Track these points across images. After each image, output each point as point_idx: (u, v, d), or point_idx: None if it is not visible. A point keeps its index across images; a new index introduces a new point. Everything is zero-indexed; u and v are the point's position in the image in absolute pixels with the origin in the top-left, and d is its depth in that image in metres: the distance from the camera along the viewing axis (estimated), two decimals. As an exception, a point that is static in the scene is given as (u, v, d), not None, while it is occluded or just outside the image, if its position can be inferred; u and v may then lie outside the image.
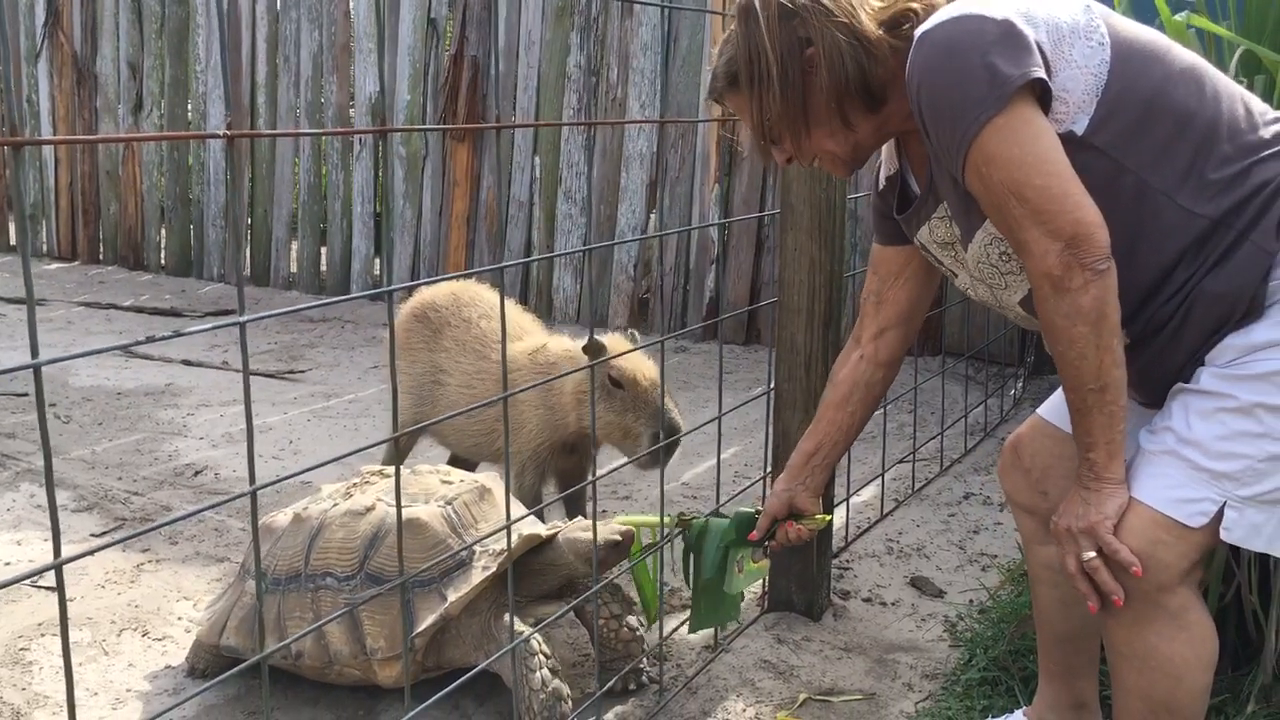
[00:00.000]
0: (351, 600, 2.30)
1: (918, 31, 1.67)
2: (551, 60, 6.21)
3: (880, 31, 1.74)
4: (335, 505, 2.45)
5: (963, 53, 1.60)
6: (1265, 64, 2.21)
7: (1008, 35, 1.59)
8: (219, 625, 2.44)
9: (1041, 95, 1.60)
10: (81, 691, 2.42)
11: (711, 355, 5.62)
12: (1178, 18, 2.21)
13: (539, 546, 2.41)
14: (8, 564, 3.05)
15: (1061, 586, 2.03)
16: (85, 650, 2.60)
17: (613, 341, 2.89)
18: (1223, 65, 2.28)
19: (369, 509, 2.39)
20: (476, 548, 2.32)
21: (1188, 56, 1.70)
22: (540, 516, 2.76)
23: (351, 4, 6.80)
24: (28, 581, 2.89)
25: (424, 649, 2.29)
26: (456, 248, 6.55)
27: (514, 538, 2.32)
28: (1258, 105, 1.71)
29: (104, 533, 3.29)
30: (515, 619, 2.19)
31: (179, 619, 2.77)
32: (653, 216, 6.07)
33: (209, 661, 2.50)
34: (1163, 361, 1.70)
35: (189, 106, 7.45)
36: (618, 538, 2.32)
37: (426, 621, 2.23)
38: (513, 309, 3.29)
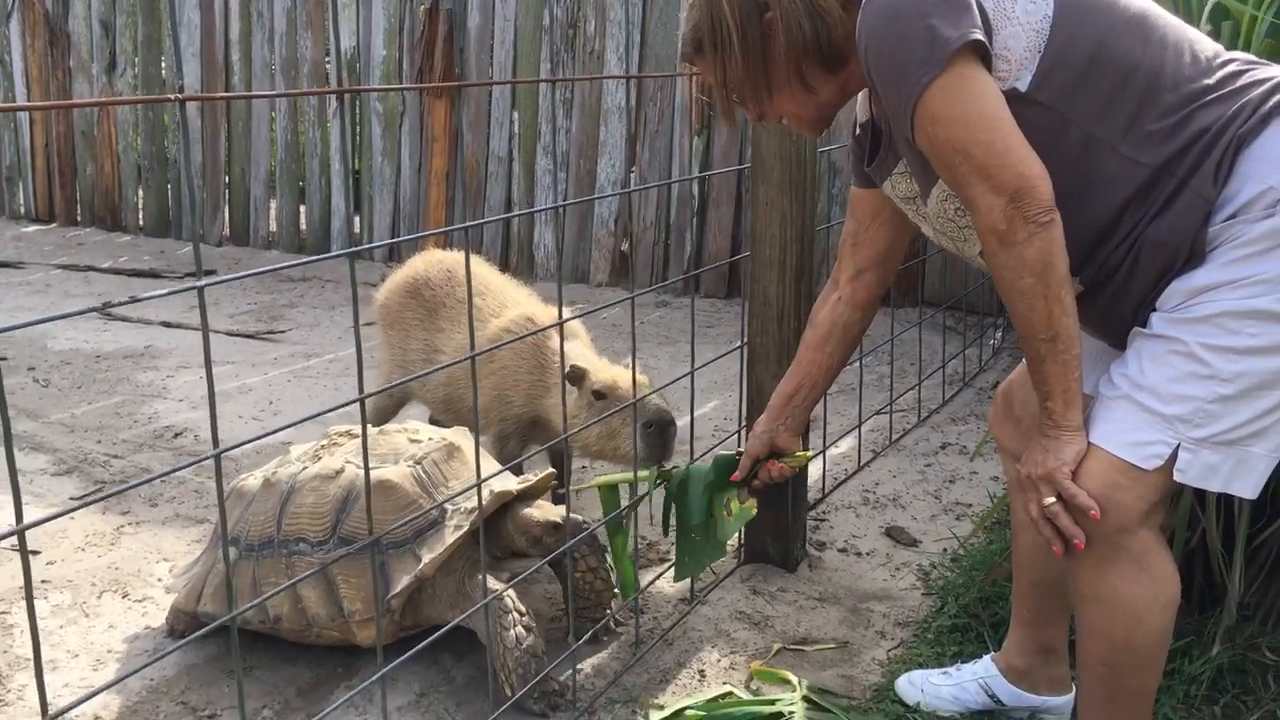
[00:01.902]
0: (322, 563, 2.32)
1: None
2: (528, 13, 6.16)
3: None
4: (305, 469, 2.45)
5: (904, 16, 1.62)
6: (1232, 12, 2.21)
7: None
8: (195, 591, 2.45)
9: (983, 55, 1.62)
10: (62, 653, 2.45)
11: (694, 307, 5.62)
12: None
13: (511, 502, 2.43)
14: (-13, 528, 3.06)
15: None
16: (66, 612, 2.62)
17: (604, 365, 2.89)
18: (1190, 18, 2.27)
19: (338, 471, 2.40)
20: (449, 506, 2.33)
21: (1135, 3, 1.71)
22: (517, 471, 2.77)
23: (325, -42, 6.71)
24: (5, 544, 2.91)
25: (401, 609, 2.31)
26: (436, 204, 6.52)
27: (485, 494, 2.34)
28: (1207, 49, 1.71)
29: (83, 496, 3.30)
30: (489, 576, 2.21)
31: (158, 580, 2.79)
32: (633, 173, 6.05)
33: (188, 624, 2.52)
34: (1117, 307, 1.73)
35: (162, 64, 7.37)
36: (556, 519, 2.36)
37: (401, 583, 2.25)
38: (499, 278, 3.28)
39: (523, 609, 2.24)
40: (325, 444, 2.55)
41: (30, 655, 2.44)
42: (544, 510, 2.40)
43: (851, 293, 2.14)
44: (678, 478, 2.35)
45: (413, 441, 2.48)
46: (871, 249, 2.12)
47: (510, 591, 2.23)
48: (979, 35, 1.60)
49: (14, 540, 2.82)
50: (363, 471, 2.36)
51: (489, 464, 2.53)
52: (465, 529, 2.28)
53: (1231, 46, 2.16)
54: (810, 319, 2.22)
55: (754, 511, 2.33)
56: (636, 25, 5.85)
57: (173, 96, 1.25)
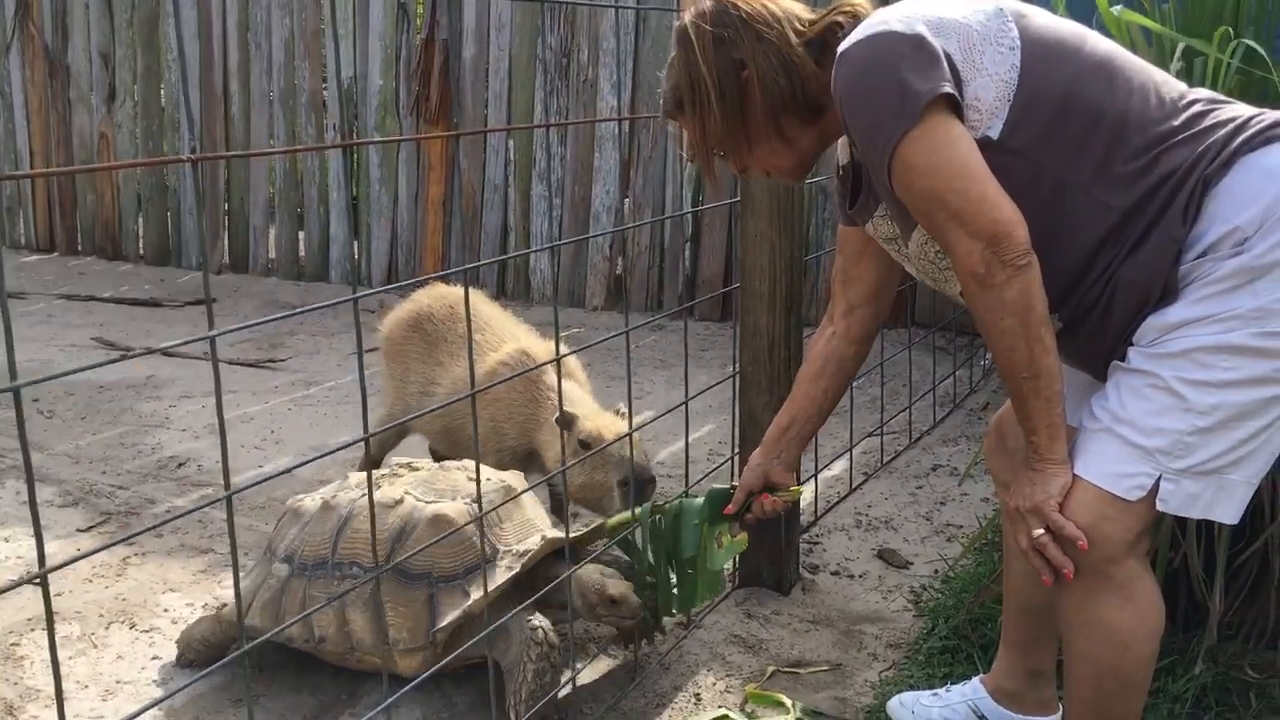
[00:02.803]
0: (337, 591, 2.37)
1: (839, 49, 1.76)
2: (522, 43, 6.24)
3: (804, 50, 1.83)
4: (363, 495, 2.49)
5: (876, 71, 1.69)
6: (1203, 54, 2.28)
7: (917, 50, 1.67)
8: (245, 603, 2.50)
9: (955, 106, 1.68)
10: (71, 684, 2.50)
11: (688, 332, 5.68)
12: (1114, 10, 2.27)
13: (575, 556, 2.46)
14: (-4, 561, 3.12)
15: None
16: (74, 644, 2.67)
17: (592, 413, 2.93)
18: (1163, 56, 2.35)
19: (398, 501, 2.44)
20: (500, 546, 2.39)
21: (1101, 48, 1.77)
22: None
23: (322, -12, 6.80)
24: (15, 575, 2.96)
25: (444, 643, 2.36)
26: (433, 231, 6.60)
27: (538, 540, 2.40)
28: (1173, 90, 1.77)
29: (90, 527, 3.36)
30: (529, 611, 2.29)
31: (165, 611, 2.84)
32: (627, 199, 6.12)
33: (198, 652, 2.57)
34: (1096, 342, 1.79)
35: (161, 94, 7.45)
36: (614, 595, 2.37)
37: (449, 617, 2.29)
38: (499, 314, 3.34)
39: (555, 642, 2.29)
40: (386, 474, 2.60)
41: (40, 687, 2.50)
42: (610, 582, 2.39)
43: (845, 328, 2.17)
44: (671, 512, 2.41)
45: (470, 480, 2.51)
46: (861, 285, 2.15)
47: (548, 625, 2.29)
48: (949, 88, 1.66)
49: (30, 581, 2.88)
50: (421, 504, 2.42)
51: (539, 508, 2.56)
52: (516, 570, 2.32)
53: (1203, 83, 2.23)
54: (806, 352, 2.26)
55: (744, 545, 2.39)
56: (629, 55, 5.94)
57: (185, 158, 1.32)
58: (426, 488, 2.50)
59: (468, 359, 3.17)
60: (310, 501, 2.58)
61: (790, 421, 2.25)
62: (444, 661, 2.32)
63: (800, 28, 1.86)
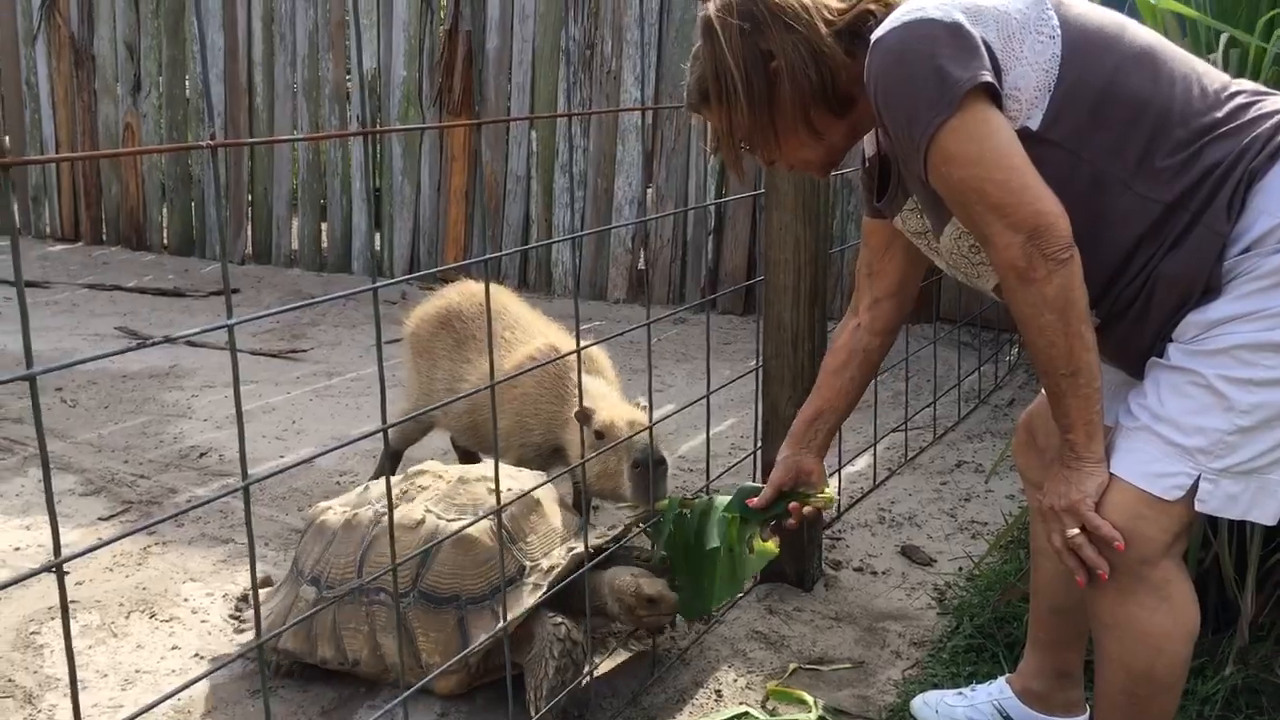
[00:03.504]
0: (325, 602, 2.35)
1: (873, 36, 1.71)
2: (546, 35, 6.22)
3: (834, 40, 1.78)
4: (386, 512, 2.46)
5: (913, 59, 1.64)
6: (1240, 43, 2.24)
7: (955, 37, 1.63)
8: (275, 627, 2.47)
9: (994, 95, 1.63)
10: (91, 673, 2.50)
11: (710, 325, 5.66)
12: (1150, -1, 2.23)
13: (607, 560, 2.42)
14: (17, 549, 3.12)
15: None
16: (94, 633, 2.67)
17: (607, 405, 2.89)
18: (1198, 45, 2.30)
19: (419, 522, 2.41)
20: (527, 563, 2.36)
21: (1142, 38, 1.73)
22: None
23: (346, -21, 6.79)
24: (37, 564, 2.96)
25: (477, 662, 2.33)
26: (455, 222, 6.59)
27: (564, 553, 2.37)
28: (1215, 81, 1.73)
29: (111, 516, 3.36)
30: (551, 611, 2.28)
31: (185, 600, 2.84)
32: (650, 190, 6.09)
33: (292, 663, 2.50)
34: (1134, 339, 1.75)
35: (186, 85, 7.47)
36: (651, 594, 2.34)
37: (479, 640, 2.26)
38: (527, 311, 3.32)
39: (578, 639, 2.27)
40: (406, 487, 2.54)
41: (59, 676, 2.50)
42: (645, 581, 2.36)
43: (870, 320, 2.14)
44: (699, 508, 2.37)
45: (492, 493, 2.46)
46: (886, 279, 2.12)
47: (571, 622, 2.27)
48: (988, 77, 1.61)
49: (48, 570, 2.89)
50: (443, 523, 2.39)
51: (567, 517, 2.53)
52: (544, 589, 2.29)
53: (1239, 75, 2.18)
54: (830, 343, 2.23)
55: (776, 550, 2.34)
56: (653, 46, 5.91)
57: (205, 143, 1.30)
58: (448, 504, 2.46)
59: (498, 357, 3.20)
60: (333, 516, 2.54)
61: (817, 414, 2.21)
62: (480, 682, 2.31)
63: (830, 17, 1.80)
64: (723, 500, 2.34)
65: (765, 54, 1.78)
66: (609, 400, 2.93)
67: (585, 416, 2.78)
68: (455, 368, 3.23)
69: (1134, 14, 2.31)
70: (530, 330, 3.19)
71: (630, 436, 2.67)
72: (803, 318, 2.73)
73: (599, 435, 2.78)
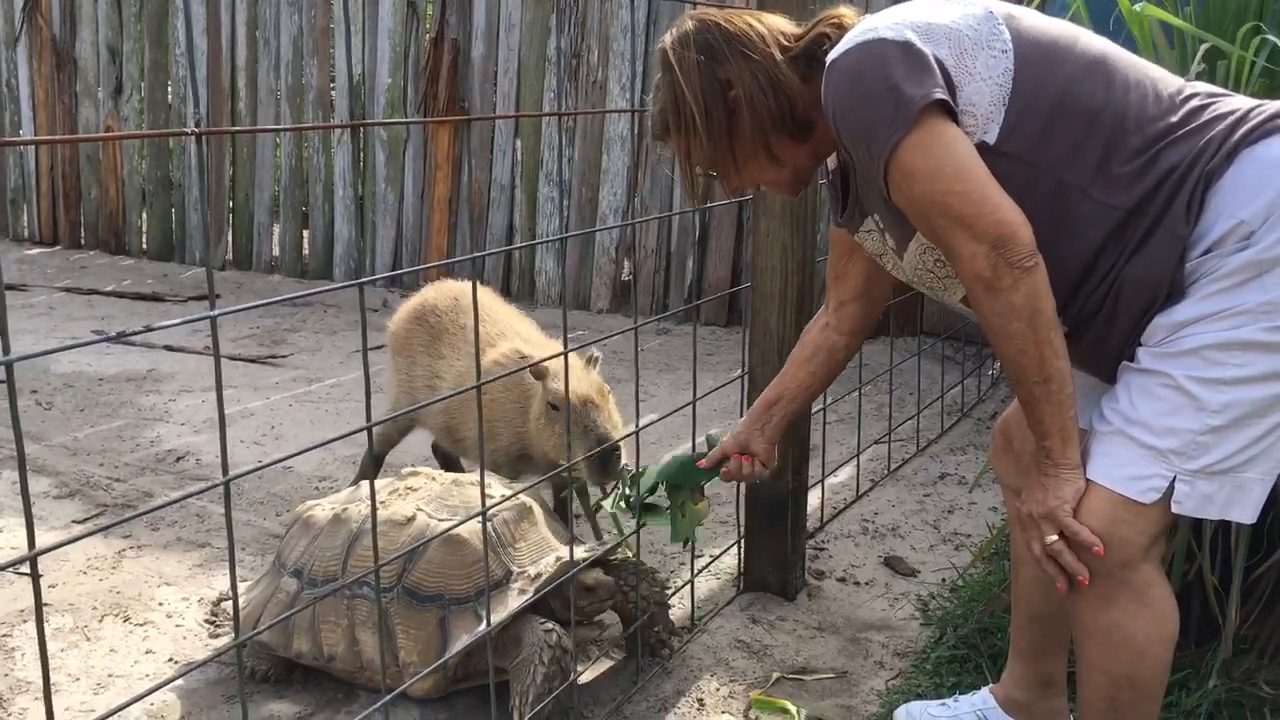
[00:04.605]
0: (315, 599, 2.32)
1: (828, 59, 1.73)
2: (531, 43, 6.21)
3: (790, 66, 1.81)
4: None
5: (867, 80, 1.66)
6: (1226, 54, 2.24)
7: (908, 56, 1.65)
8: (253, 618, 2.45)
9: (948, 112, 1.65)
10: (63, 677, 2.45)
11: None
12: (1135, 7, 2.23)
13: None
14: (-10, 551, 3.08)
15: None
16: (67, 636, 2.63)
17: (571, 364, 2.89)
18: (1184, 55, 2.31)
19: (409, 519, 2.38)
20: (514, 568, 2.34)
21: (1095, 47, 1.75)
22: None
23: (331, -14, 6.77)
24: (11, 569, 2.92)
25: (456, 664, 2.30)
26: (439, 230, 6.56)
27: (552, 561, 2.34)
28: (1170, 85, 1.75)
29: (86, 519, 3.31)
30: (540, 617, 2.26)
31: (160, 604, 2.80)
32: (635, 200, 6.08)
33: (271, 664, 2.46)
34: (1104, 344, 1.76)
35: (169, 90, 7.42)
36: (588, 582, 2.35)
37: (460, 642, 2.23)
38: (503, 307, 3.31)
39: (568, 646, 2.25)
40: (398, 486, 2.52)
41: (31, 679, 2.45)
42: (581, 572, 2.35)
43: (838, 321, 2.18)
44: (640, 478, 2.36)
45: (486, 497, 2.46)
46: (850, 282, 2.15)
47: (561, 629, 2.25)
48: (942, 94, 1.64)
49: (19, 564, 2.84)
50: (433, 522, 2.37)
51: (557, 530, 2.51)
52: (529, 595, 2.27)
53: (1225, 87, 2.19)
54: (801, 336, 2.26)
55: (705, 513, 2.37)
56: (640, 56, 5.91)
57: (189, 130, 1.28)
58: (440, 504, 2.44)
59: (471, 353, 3.18)
60: (321, 512, 2.51)
61: (777, 398, 2.24)
62: (458, 686, 2.28)
63: (786, 43, 1.84)
64: (655, 469, 2.36)
65: (723, 83, 1.81)
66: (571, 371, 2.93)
67: (539, 374, 2.78)
68: (432, 363, 3.22)
69: (1119, 23, 2.32)
70: (501, 325, 3.17)
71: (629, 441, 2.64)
72: (789, 325, 2.72)
73: (554, 406, 2.78)
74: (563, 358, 2.27)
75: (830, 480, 3.55)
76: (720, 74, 1.80)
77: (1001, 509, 3.41)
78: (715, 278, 5.92)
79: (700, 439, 2.35)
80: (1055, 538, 1.71)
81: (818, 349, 2.19)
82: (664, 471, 2.33)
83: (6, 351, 1.16)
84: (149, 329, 1.30)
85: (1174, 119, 1.69)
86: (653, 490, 2.36)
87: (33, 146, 7.81)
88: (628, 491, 2.38)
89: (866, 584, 2.97)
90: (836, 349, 2.19)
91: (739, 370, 2.87)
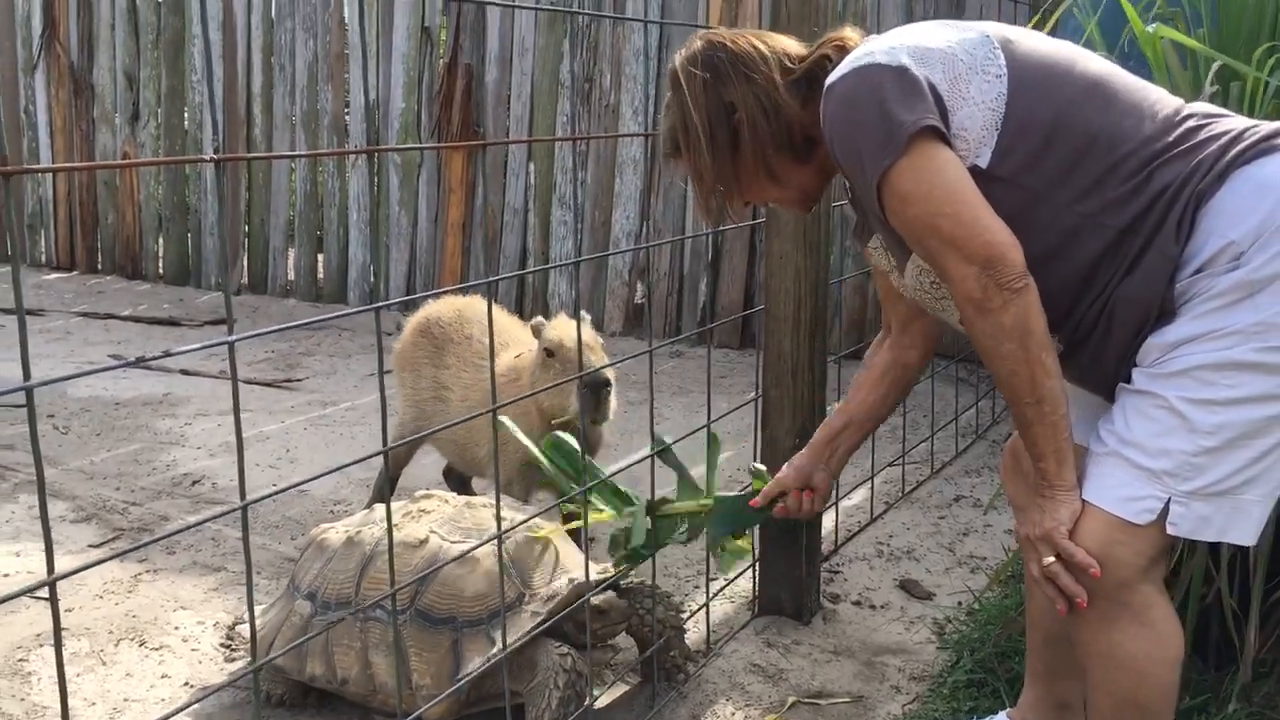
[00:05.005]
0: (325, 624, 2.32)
1: (826, 83, 1.77)
2: (545, 67, 6.25)
3: (791, 89, 1.84)
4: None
5: (861, 104, 1.69)
6: (1240, 75, 2.25)
7: (901, 81, 1.68)
8: (267, 642, 2.45)
9: (940, 136, 1.67)
10: (79, 701, 2.46)
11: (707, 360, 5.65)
12: (1149, 29, 2.24)
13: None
14: (6, 575, 3.09)
15: None
16: (83, 660, 2.63)
17: (559, 322, 2.98)
18: (1197, 76, 2.31)
19: (422, 541, 2.38)
20: (527, 591, 2.34)
21: (1094, 69, 1.76)
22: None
23: (347, 12, 6.83)
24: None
25: (469, 688, 2.29)
26: (452, 254, 6.59)
27: (565, 583, 2.34)
28: (1168, 106, 1.76)
29: (102, 543, 3.33)
30: (555, 641, 2.26)
31: (176, 629, 2.80)
32: (648, 224, 6.10)
33: (286, 687, 2.46)
34: (1099, 363, 1.77)
35: (185, 116, 7.48)
36: (599, 605, 2.34)
37: (473, 664, 2.22)
38: (507, 319, 3.34)
39: (583, 670, 2.25)
40: (411, 509, 2.52)
41: (47, 704, 2.46)
42: (595, 597, 2.34)
43: (909, 338, 2.14)
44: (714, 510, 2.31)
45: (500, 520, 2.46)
46: (905, 302, 2.10)
47: (576, 653, 2.24)
48: (933, 120, 1.66)
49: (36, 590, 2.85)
50: (446, 544, 2.37)
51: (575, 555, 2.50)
52: (542, 616, 2.26)
53: (1239, 109, 2.19)
54: (865, 361, 2.22)
55: (748, 549, 2.33)
56: (652, 80, 5.93)
57: (207, 157, 1.29)
58: (452, 526, 2.43)
59: (477, 364, 3.20)
60: (335, 535, 2.52)
61: (844, 425, 2.20)
62: (470, 710, 2.27)
63: (789, 64, 1.87)
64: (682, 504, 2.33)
65: (728, 105, 1.85)
66: (556, 323, 2.99)
67: (536, 330, 2.91)
68: (437, 373, 3.26)
69: (1133, 44, 2.32)
70: (504, 337, 3.20)
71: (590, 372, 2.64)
72: (803, 348, 2.72)
73: (549, 353, 2.87)
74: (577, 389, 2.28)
75: (844, 503, 3.54)
76: (725, 95, 1.84)
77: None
78: (728, 299, 5.93)
79: (718, 462, 2.32)
80: (1052, 559, 1.72)
81: (889, 368, 2.16)
82: (714, 521, 2.28)
83: (27, 377, 1.17)
84: (168, 354, 1.31)
85: (1169, 139, 1.71)
86: (669, 533, 2.33)
87: (51, 176, 7.88)
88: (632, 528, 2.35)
89: (882, 607, 2.96)
90: (909, 366, 2.15)
91: (753, 393, 2.87)
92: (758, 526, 2.33)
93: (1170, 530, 1.67)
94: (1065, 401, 1.68)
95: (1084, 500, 1.70)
